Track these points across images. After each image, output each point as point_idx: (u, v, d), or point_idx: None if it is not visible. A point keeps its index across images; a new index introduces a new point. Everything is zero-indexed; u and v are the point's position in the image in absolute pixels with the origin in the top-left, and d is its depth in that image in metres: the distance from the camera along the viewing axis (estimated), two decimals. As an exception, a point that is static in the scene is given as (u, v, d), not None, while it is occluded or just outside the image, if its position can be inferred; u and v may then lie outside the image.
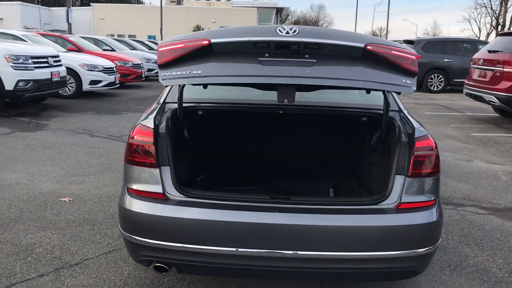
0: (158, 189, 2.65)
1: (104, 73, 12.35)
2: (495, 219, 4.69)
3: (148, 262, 2.74)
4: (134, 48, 20.26)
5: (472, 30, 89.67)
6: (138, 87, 15.93)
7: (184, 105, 3.02)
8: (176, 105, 3.06)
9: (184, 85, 2.93)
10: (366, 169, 3.43)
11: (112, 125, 8.90)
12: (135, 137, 2.73)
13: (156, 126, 2.72)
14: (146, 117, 2.90)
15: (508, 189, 5.74)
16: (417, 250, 2.59)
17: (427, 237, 2.62)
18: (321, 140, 3.90)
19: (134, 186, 2.72)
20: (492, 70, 9.85)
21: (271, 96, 3.23)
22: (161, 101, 3.24)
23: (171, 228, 2.56)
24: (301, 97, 3.17)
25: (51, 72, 9.79)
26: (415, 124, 2.84)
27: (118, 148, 7.06)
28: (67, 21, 24.12)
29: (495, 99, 9.67)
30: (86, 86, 12.11)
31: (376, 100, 3.31)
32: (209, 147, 3.92)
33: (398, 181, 2.65)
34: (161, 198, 2.65)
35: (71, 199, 4.79)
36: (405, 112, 3.16)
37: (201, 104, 3.20)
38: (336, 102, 3.31)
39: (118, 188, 5.20)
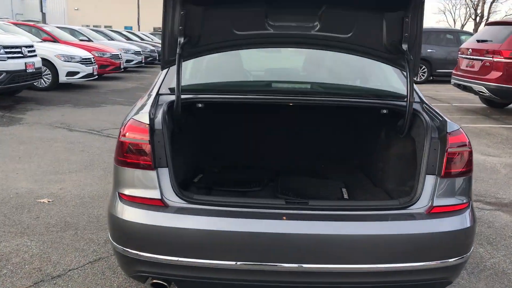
0: (155, 194, 2.31)
1: (82, 64, 11.85)
2: (503, 216, 4.47)
3: (144, 278, 2.40)
4: (111, 39, 19.68)
5: (447, 22, 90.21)
6: (117, 79, 15.43)
7: (181, 96, 2.66)
8: (171, 97, 2.70)
9: (180, 74, 2.57)
10: (381, 167, 3.13)
11: (92, 118, 8.47)
12: (127, 134, 2.37)
13: (152, 122, 2.37)
14: (139, 111, 2.55)
15: (509, 182, 5.55)
16: (450, 260, 2.31)
17: (461, 245, 2.34)
18: (329, 134, 3.59)
19: (127, 191, 2.37)
20: (482, 60, 9.69)
21: (277, 83, 2.92)
22: (154, 92, 2.87)
23: (171, 240, 2.23)
24: (312, 86, 2.87)
25: (25, 63, 9.26)
26: (445, 117, 2.55)
27: (99, 143, 6.67)
28: (41, 10, 23.29)
29: (485, 89, 9.52)
30: (63, 78, 11.58)
31: (394, 90, 3.01)
32: (207, 144, 3.57)
33: (429, 181, 2.35)
34: (159, 205, 2.31)
35: (50, 200, 4.40)
36: (427, 103, 2.87)
37: (200, 96, 2.85)
38: (351, 92, 3.01)
39: (102, 187, 4.83)
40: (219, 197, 2.48)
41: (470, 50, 10.16)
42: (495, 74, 9.32)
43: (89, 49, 13.46)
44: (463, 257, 2.36)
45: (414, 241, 2.24)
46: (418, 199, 2.33)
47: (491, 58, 9.45)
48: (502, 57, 9.21)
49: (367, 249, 2.21)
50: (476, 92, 10.04)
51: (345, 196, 2.95)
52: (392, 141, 3.00)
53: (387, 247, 2.22)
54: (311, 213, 2.27)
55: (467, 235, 2.36)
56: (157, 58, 21.68)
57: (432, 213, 2.32)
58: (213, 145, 3.62)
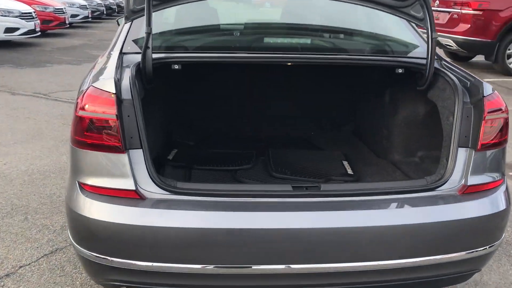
0: (127, 184, 1.81)
1: (22, 19, 10.89)
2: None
3: (117, 286, 1.93)
4: (53, -9, 18.22)
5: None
6: (62, 35, 14.33)
7: (153, 56, 2.12)
8: (138, 57, 2.14)
9: (151, 30, 2.02)
10: (385, 135, 2.73)
11: (36, 80, 7.69)
12: (87, 107, 1.83)
13: (118, 90, 1.84)
14: (100, 76, 2.00)
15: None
16: (485, 248, 1.97)
17: (497, 230, 2.01)
18: (323, 97, 3.15)
19: (90, 181, 1.85)
20: (449, 12, 9.40)
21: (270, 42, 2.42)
22: (116, 51, 2.30)
23: (151, 242, 1.77)
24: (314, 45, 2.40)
25: (-45, 18, 8.25)
26: (476, 77, 2.16)
27: (46, 108, 6.00)
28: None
29: (453, 42, 9.28)
30: (0, 35, 10.60)
31: (405, 42, 2.58)
32: (180, 112, 3.05)
33: (461, 156, 1.96)
34: (133, 197, 1.82)
35: (-7, 179, 3.80)
36: (446, 60, 2.46)
37: (177, 55, 2.30)
38: (359, 48, 2.55)
39: (53, 159, 4.24)
40: (210, 185, 2.01)
41: (437, 2, 9.84)
42: (463, 27, 9.07)
43: (29, 3, 12.34)
44: (496, 243, 2.03)
45: (446, 228, 1.87)
46: (449, 178, 1.94)
47: (459, 10, 9.17)
48: (471, 9, 8.94)
49: (396, 241, 1.83)
50: (442, 46, 9.80)
51: (349, 171, 2.54)
52: (401, 105, 2.60)
53: (419, 238, 1.84)
54: (326, 200, 1.84)
55: (503, 218, 2.02)
56: (105, 13, 20.48)
57: (466, 193, 1.95)
58: (187, 114, 3.10)
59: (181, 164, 2.52)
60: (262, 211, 1.78)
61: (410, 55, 2.48)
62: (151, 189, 1.81)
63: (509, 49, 8.88)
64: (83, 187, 1.87)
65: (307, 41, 2.55)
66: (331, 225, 1.78)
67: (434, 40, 2.18)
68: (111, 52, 2.33)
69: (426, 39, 2.56)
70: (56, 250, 2.84)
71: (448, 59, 8.59)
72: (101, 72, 2.10)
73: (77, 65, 9.14)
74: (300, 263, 1.78)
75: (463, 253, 1.92)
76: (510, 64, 8.97)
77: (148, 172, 1.81)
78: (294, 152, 2.77)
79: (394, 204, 1.88)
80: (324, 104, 3.22)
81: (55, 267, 2.68)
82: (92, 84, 1.88)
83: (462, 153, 1.97)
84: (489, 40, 8.81)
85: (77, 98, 1.91)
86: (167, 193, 1.81)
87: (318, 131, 3.21)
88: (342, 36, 2.76)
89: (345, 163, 2.65)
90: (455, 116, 1.99)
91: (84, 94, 1.87)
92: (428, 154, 2.46)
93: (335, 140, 3.08)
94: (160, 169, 2.41)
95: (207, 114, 3.15)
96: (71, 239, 1.96)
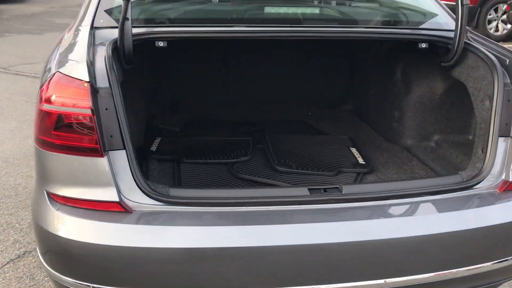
0: (109, 194, 1.47)
1: (-26, -17, 10.03)
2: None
3: None
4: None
5: None
6: (20, 2, 13.53)
7: (133, 31, 1.74)
8: (115, 32, 1.76)
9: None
10: (397, 117, 2.44)
11: (-6, 52, 7.16)
12: (54, 98, 1.47)
13: (93, 76, 1.47)
14: (68, 59, 1.62)
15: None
16: None
17: None
18: (325, 74, 2.83)
19: (62, 191, 1.51)
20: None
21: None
22: (86, 25, 1.91)
23: (139, 266, 1.46)
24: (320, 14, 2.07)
25: None
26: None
27: (6, 84, 5.54)
28: None
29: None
30: (-49, 1, 9.80)
31: (424, 16, 2.26)
32: (163, 94, 2.69)
33: (501, 147, 1.70)
34: (116, 210, 1.48)
35: None
36: (474, 32, 2.17)
37: (161, 30, 1.93)
38: (374, 19, 2.23)
39: (17, 143, 3.84)
40: (211, 191, 1.69)
41: (417, -36, 9.55)
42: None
43: (-19, -35, 11.47)
44: None
45: (490, 234, 1.63)
46: (489, 173, 1.67)
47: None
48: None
49: (432, 253, 1.57)
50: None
51: (360, 160, 2.25)
52: (417, 84, 2.31)
53: (459, 246, 1.60)
54: (351, 206, 1.55)
55: None
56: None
57: (508, 191, 1.69)
58: (169, 95, 2.75)
59: (167, 157, 2.18)
60: (278, 224, 1.48)
61: (430, 26, 2.17)
62: (138, 199, 1.48)
63: (490, 14, 8.71)
64: (54, 198, 1.52)
65: (315, 11, 2.21)
66: (359, 239, 1.49)
67: (465, 7, 1.87)
68: (80, 27, 1.93)
69: (441, 7, 2.26)
70: (24, 254, 2.50)
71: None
72: (69, 53, 1.71)
73: (39, 34, 8.54)
74: (332, 282, 1.50)
75: (504, 260, 1.67)
76: (490, 29, 8.82)
77: (134, 178, 1.48)
78: (294, 138, 2.47)
79: (428, 208, 1.62)
80: (322, 80, 2.92)
81: (23, 274, 2.35)
82: (59, 70, 1.51)
83: (501, 144, 1.70)
84: (470, 5, 8.61)
85: (41, 87, 1.54)
86: (159, 203, 1.48)
87: (315, 111, 2.91)
88: (351, 4, 2.43)
89: (353, 149, 2.36)
90: (494, 100, 1.71)
91: (49, 82, 1.49)
92: (447, 139, 2.20)
93: (335, 120, 2.79)
94: (143, 163, 2.07)
95: (192, 94, 2.80)
96: (41, 260, 1.63)
